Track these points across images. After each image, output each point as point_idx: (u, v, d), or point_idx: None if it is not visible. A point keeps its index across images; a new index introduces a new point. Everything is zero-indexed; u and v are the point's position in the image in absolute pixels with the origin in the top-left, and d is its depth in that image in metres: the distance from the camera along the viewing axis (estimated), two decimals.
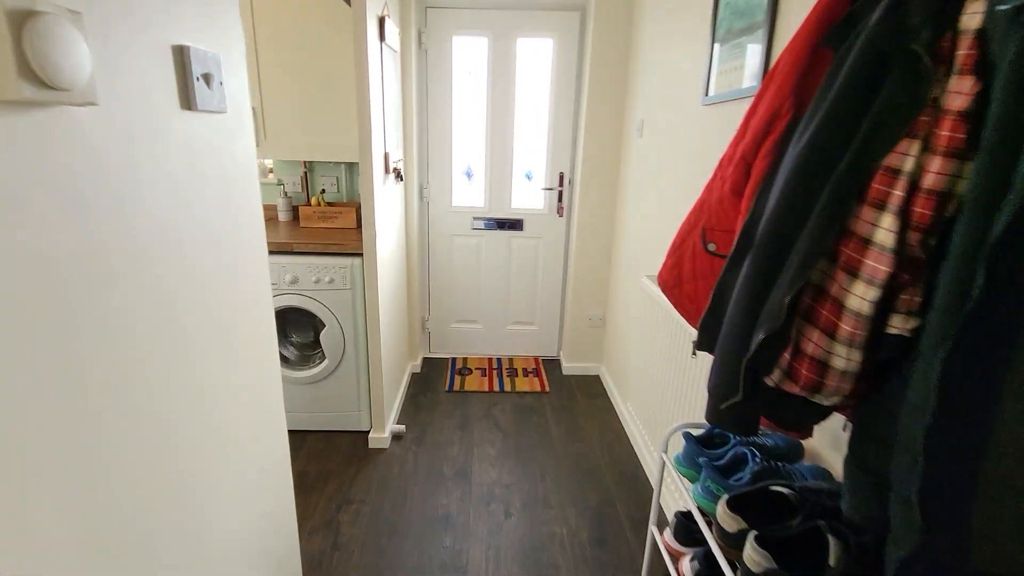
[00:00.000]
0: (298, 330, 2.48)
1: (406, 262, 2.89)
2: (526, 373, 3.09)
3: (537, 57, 2.81)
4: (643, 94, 2.40)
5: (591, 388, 2.97)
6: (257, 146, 2.45)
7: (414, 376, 3.04)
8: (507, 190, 3.00)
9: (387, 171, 2.27)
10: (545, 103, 2.87)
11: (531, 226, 3.06)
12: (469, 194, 3.03)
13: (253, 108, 2.29)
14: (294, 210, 2.68)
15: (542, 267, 3.13)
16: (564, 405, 2.78)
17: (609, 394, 2.87)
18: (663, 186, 2.13)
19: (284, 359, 2.36)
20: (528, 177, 3.01)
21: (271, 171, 2.74)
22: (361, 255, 2.19)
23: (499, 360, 3.25)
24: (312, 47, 2.25)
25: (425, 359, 3.24)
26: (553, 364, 3.23)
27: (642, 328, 2.22)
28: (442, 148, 2.91)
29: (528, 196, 3.03)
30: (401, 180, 2.54)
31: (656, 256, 2.17)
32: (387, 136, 2.27)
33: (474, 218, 3.04)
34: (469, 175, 3.00)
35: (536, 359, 3.27)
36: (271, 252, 2.19)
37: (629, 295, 2.54)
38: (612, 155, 2.75)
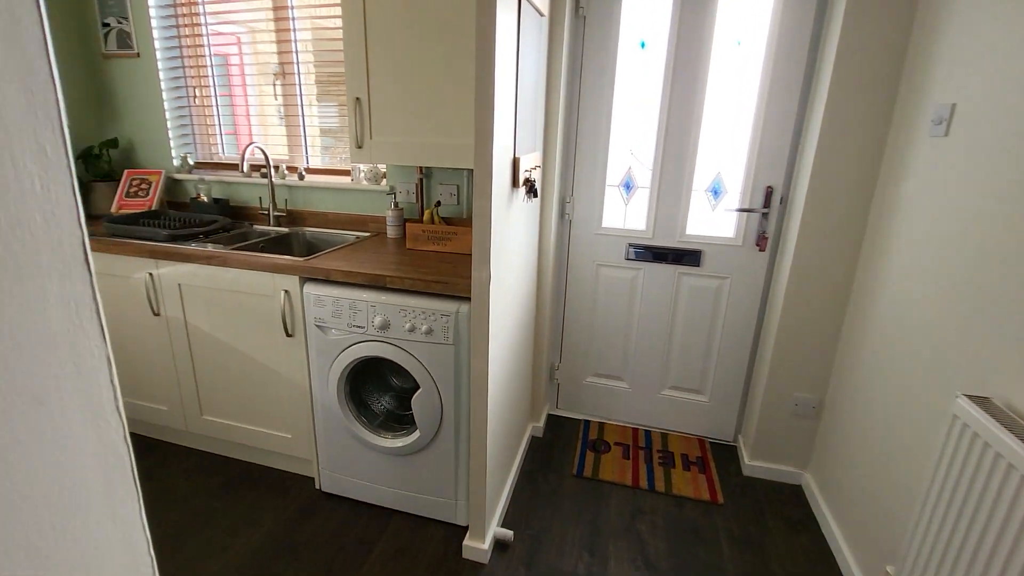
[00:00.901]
0: (385, 388, 1.95)
1: (536, 294, 2.21)
2: (687, 464, 2.21)
3: (746, 20, 1.92)
4: (957, 63, 1.38)
5: (791, 508, 1.98)
6: (358, 147, 1.98)
7: (534, 443, 2.35)
8: (681, 209, 2.15)
9: (515, 183, 1.60)
10: (753, 86, 1.96)
11: (713, 260, 2.17)
12: (626, 213, 2.24)
13: (357, 99, 1.80)
14: (404, 226, 2.17)
15: (725, 318, 2.22)
16: (749, 534, 1.85)
17: (823, 525, 1.87)
18: (1001, 226, 1.12)
19: (368, 420, 1.84)
20: (715, 192, 2.12)
21: (384, 176, 2.27)
22: (469, 299, 1.56)
23: (648, 435, 2.41)
24: (435, 23, 1.68)
25: (550, 417, 2.54)
26: (727, 455, 2.30)
27: (949, 481, 1.22)
28: (594, 151, 2.18)
29: (711, 219, 2.15)
30: (535, 196, 1.86)
31: (979, 351, 1.17)
32: (518, 135, 1.60)
33: (630, 245, 2.24)
34: (628, 187, 2.21)
35: (702, 442, 2.37)
36: (360, 284, 1.67)
37: (905, 405, 1.53)
38: (869, 162, 1.75)
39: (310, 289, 1.74)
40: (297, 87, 2.33)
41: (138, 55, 2.40)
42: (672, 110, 2.05)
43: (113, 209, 2.35)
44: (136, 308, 2.03)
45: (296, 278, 1.76)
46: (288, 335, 1.83)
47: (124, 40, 2.39)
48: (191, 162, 2.53)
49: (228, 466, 2.12)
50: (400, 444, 1.77)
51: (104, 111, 2.55)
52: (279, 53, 2.32)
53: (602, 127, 2.14)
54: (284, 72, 2.36)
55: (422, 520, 1.86)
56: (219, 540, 1.75)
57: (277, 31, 2.29)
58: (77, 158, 2.46)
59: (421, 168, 2.15)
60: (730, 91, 1.99)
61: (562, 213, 2.27)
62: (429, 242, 1.96)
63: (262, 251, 2.13)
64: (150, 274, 1.94)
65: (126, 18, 2.35)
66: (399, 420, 1.89)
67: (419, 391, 1.68)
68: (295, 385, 1.90)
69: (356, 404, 1.84)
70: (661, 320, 2.30)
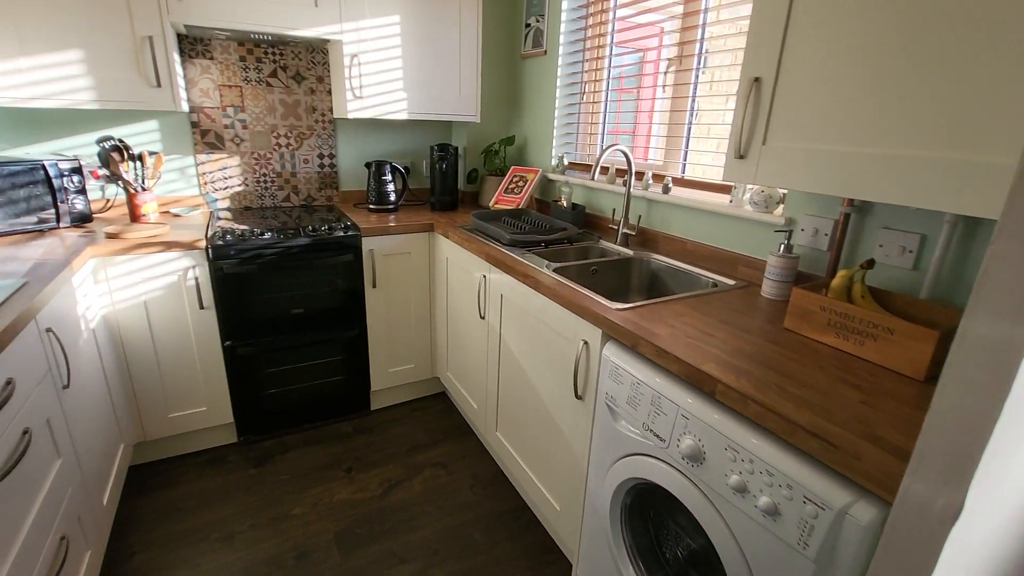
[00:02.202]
0: (669, 533, 1.24)
1: None
2: None
3: None
4: None
5: None
6: (739, 156, 1.26)
7: None
8: None
9: None
10: None
11: None
12: None
13: (756, 79, 1.11)
14: (793, 286, 1.35)
15: None
16: None
17: None
18: None
19: (640, 551, 1.21)
20: None
21: (781, 201, 1.48)
22: (889, 504, 0.70)
23: None
24: None
25: None
26: None
27: None
28: None
29: None
30: None
31: None
32: None
33: None
34: None
35: None
36: (674, 374, 1.04)
37: None
38: None
39: (610, 352, 1.22)
40: (693, 73, 1.78)
41: (545, 52, 2.36)
42: None
43: (491, 203, 2.45)
44: (470, 305, 2.01)
45: (599, 331, 1.27)
46: (577, 396, 1.38)
47: (538, 39, 2.39)
48: (565, 162, 2.39)
49: (507, 490, 1.91)
50: None
51: (513, 109, 2.69)
52: (681, 41, 1.81)
53: None
54: (682, 57, 1.85)
55: None
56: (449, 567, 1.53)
57: (685, 14, 1.79)
58: (480, 153, 2.69)
59: (851, 199, 1.26)
60: None
61: None
62: (829, 329, 1.10)
63: (592, 275, 1.74)
64: (484, 276, 1.85)
65: (543, 15, 2.33)
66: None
67: None
68: (573, 456, 1.45)
69: (634, 527, 1.24)
70: None
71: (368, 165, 2.39)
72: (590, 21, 2.17)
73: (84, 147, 2.06)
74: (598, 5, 2.12)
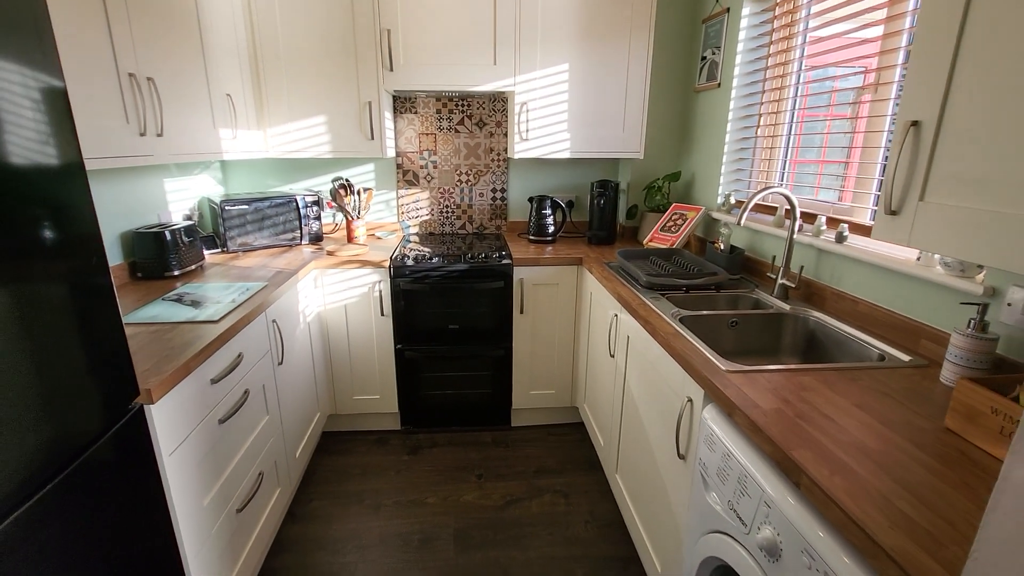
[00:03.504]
0: None
1: None
2: None
3: None
4: None
5: None
6: (891, 212, 1.02)
7: None
8: None
9: None
10: None
11: None
12: None
13: (914, 123, 0.94)
14: (987, 376, 1.06)
15: None
16: None
17: None
18: None
19: None
20: None
21: (981, 267, 1.16)
22: None
23: None
24: None
25: None
26: None
27: None
28: None
29: None
30: None
31: None
32: None
33: None
34: None
35: None
36: (766, 452, 0.94)
37: None
38: None
39: (709, 415, 1.13)
40: (891, 104, 1.52)
41: (718, 85, 2.25)
42: None
43: (645, 241, 2.42)
44: (603, 341, 2.02)
45: (702, 391, 1.19)
46: (679, 455, 1.30)
47: (712, 71, 2.29)
48: (732, 200, 2.22)
49: (621, 535, 1.86)
50: None
51: (682, 144, 2.61)
52: (880, 67, 1.56)
53: None
54: (877, 85, 1.58)
55: None
56: None
57: (885, 35, 1.54)
58: (642, 189, 2.67)
59: None
60: None
61: None
62: (1003, 440, 0.85)
63: (731, 327, 1.61)
64: (615, 315, 1.86)
65: (719, 47, 2.22)
66: None
67: None
68: (674, 518, 1.37)
69: None
70: None
71: (531, 199, 2.60)
72: (771, 50, 2.00)
73: (322, 184, 2.73)
74: (786, 20, 1.94)
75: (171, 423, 1.16)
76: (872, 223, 1.58)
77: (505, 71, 2.28)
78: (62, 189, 0.86)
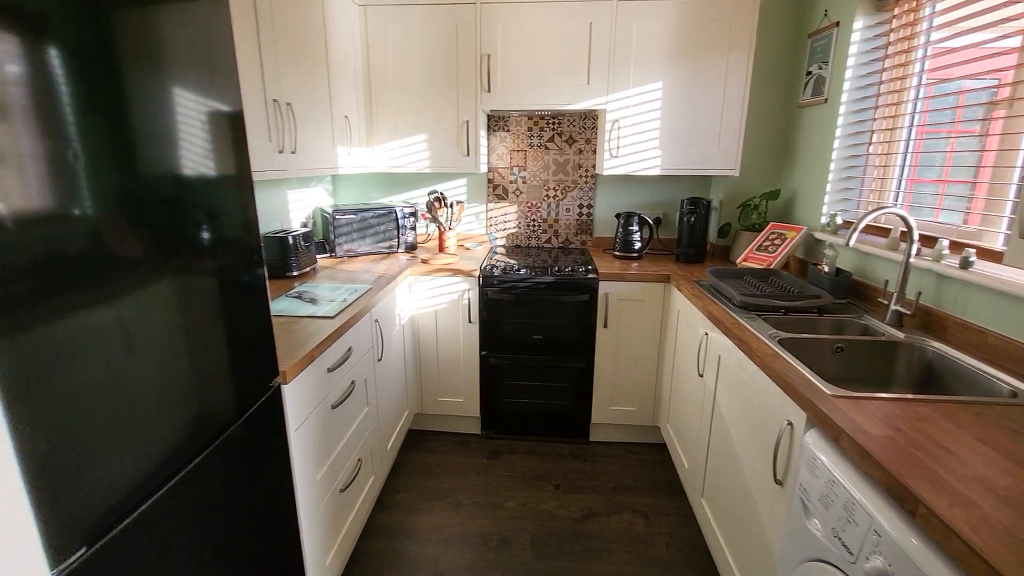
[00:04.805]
0: None
1: None
2: None
3: None
4: None
5: None
6: None
7: None
8: None
9: None
10: None
11: None
12: None
13: None
14: None
15: None
16: None
17: None
18: None
19: None
20: None
21: None
22: None
23: None
24: None
25: None
26: None
27: None
28: None
29: None
30: None
31: None
32: None
33: None
34: None
35: None
36: (879, 481, 0.91)
37: None
38: None
39: (811, 440, 1.09)
40: None
41: (825, 100, 2.15)
42: None
43: (739, 260, 2.34)
44: (691, 360, 1.98)
45: (805, 414, 1.15)
46: (776, 481, 1.26)
47: (819, 87, 2.20)
48: (839, 221, 2.11)
49: (704, 563, 1.80)
50: None
51: (783, 162, 2.51)
52: (1014, 81, 1.44)
53: None
54: (1012, 99, 1.46)
55: None
56: None
57: None
58: (736, 207, 2.59)
59: None
60: None
61: None
62: None
63: (836, 353, 1.53)
64: (706, 334, 1.83)
65: (827, 62, 2.13)
66: None
67: None
68: (766, 546, 1.32)
69: None
70: None
71: (618, 216, 2.61)
72: (886, 63, 1.90)
73: (418, 197, 2.93)
74: (905, 32, 1.84)
75: (298, 403, 1.31)
76: (1004, 248, 1.45)
77: (598, 90, 2.33)
78: (236, 198, 1.03)
